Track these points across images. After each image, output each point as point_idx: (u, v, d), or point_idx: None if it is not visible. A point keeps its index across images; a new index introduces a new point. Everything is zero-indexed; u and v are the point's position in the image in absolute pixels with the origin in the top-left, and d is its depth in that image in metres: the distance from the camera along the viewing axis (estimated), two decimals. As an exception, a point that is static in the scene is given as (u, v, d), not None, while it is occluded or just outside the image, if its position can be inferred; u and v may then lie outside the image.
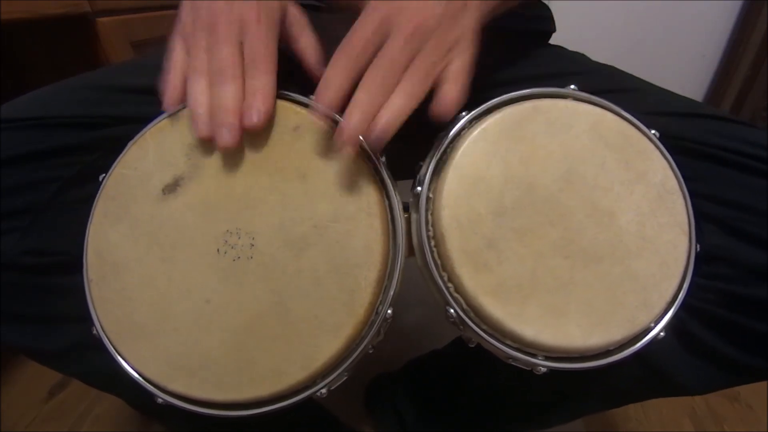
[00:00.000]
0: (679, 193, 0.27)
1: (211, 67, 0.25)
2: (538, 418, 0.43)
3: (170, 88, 0.27)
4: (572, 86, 0.28)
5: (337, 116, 0.25)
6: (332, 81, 0.24)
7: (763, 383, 0.31)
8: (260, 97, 0.25)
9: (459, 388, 0.51)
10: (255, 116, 0.24)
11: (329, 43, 0.33)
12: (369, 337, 0.25)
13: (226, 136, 0.24)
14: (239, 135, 0.25)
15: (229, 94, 0.25)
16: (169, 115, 0.27)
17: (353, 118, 0.23)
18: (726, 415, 0.69)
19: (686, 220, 0.27)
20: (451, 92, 0.25)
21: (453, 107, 0.25)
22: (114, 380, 0.28)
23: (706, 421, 0.68)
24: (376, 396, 0.64)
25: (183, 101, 0.27)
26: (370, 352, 0.26)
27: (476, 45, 0.27)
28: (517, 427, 0.46)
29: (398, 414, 0.58)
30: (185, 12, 0.28)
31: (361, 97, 0.24)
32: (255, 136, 0.26)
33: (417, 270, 0.27)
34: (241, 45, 0.26)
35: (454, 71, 0.26)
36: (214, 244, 0.25)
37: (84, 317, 0.26)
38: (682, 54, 1.25)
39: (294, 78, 0.27)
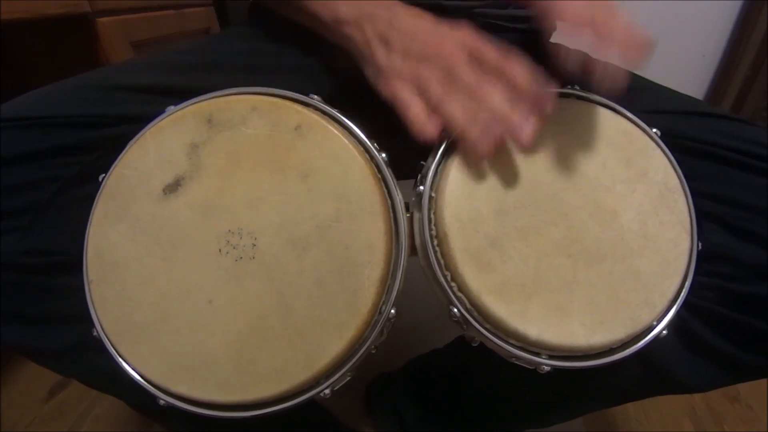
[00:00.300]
0: (681, 192, 0.27)
1: (460, 88, 0.26)
2: (539, 417, 0.43)
3: (420, 119, 0.26)
4: (574, 85, 0.28)
5: None
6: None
7: (763, 383, 0.32)
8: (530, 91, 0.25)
9: (459, 388, 0.51)
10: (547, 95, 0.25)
11: (328, 43, 0.33)
12: (372, 337, 0.25)
13: (527, 128, 0.24)
14: (533, 121, 0.24)
15: (496, 98, 0.25)
16: (171, 114, 0.27)
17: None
18: (726, 414, 0.69)
19: (687, 219, 0.27)
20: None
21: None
22: (114, 381, 0.27)
23: (706, 421, 0.68)
24: (376, 396, 0.64)
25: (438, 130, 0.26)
26: (373, 352, 0.26)
27: None
28: (517, 426, 0.46)
29: (398, 414, 0.58)
30: (379, 52, 0.28)
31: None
32: (257, 136, 0.26)
33: (416, 269, 0.27)
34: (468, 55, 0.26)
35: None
36: (215, 244, 0.25)
37: (84, 317, 0.26)
38: (682, 54, 1.25)
39: None
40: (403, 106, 0.27)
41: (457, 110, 0.26)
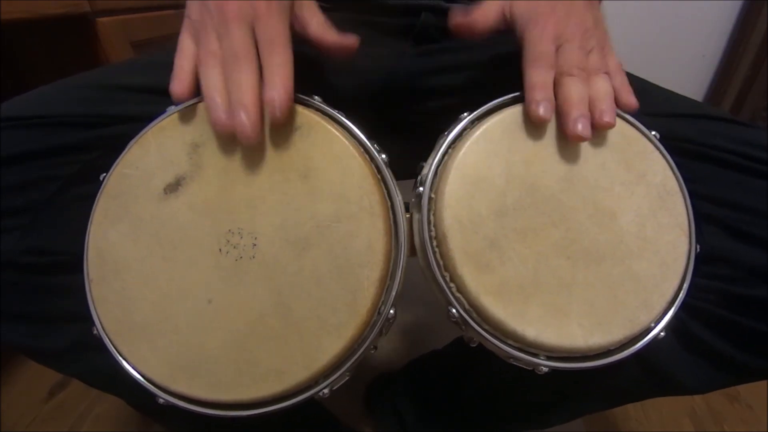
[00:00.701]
0: (680, 194, 0.27)
1: (224, 53, 0.25)
2: (538, 417, 0.43)
3: (180, 75, 0.26)
4: None
5: None
6: (542, 82, 0.26)
7: (763, 383, 0.32)
8: (280, 72, 0.24)
9: (459, 388, 0.51)
10: (276, 94, 0.23)
11: None
12: (371, 337, 0.25)
13: (245, 122, 0.23)
14: (260, 123, 0.23)
15: (245, 74, 0.24)
16: (172, 114, 0.27)
17: (578, 115, 0.25)
18: (726, 415, 0.69)
19: (686, 221, 0.27)
20: (626, 82, 0.29)
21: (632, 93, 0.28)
22: (114, 380, 0.28)
23: (706, 421, 0.68)
24: (376, 396, 0.64)
25: (193, 91, 0.26)
26: (372, 352, 0.26)
27: None
28: (517, 426, 0.46)
29: (398, 414, 0.58)
30: (192, 7, 0.28)
31: (573, 88, 0.26)
32: (255, 137, 0.26)
33: (416, 269, 0.27)
34: (253, 30, 0.25)
35: (614, 65, 0.29)
36: (215, 244, 0.25)
37: (84, 317, 0.26)
38: (682, 54, 1.25)
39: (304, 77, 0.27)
40: (177, 52, 0.27)
41: (207, 76, 0.25)
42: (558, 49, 0.27)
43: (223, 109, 0.24)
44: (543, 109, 0.25)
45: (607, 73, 0.28)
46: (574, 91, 0.26)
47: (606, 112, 0.26)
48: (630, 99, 0.28)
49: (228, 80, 0.24)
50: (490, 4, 0.29)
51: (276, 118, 0.24)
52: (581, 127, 0.25)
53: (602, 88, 0.27)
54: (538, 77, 0.26)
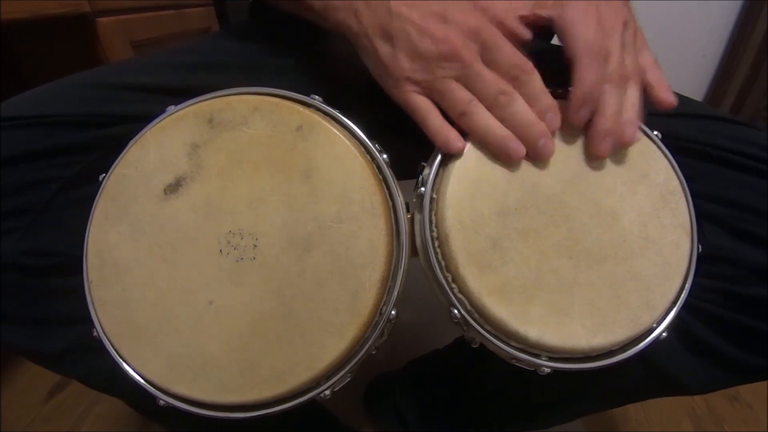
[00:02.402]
0: (682, 194, 0.27)
1: (481, 93, 0.25)
2: (539, 417, 0.43)
3: (449, 134, 0.25)
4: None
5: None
6: (595, 82, 0.25)
7: (764, 383, 0.31)
8: (546, 98, 0.25)
9: (460, 388, 0.51)
10: (555, 120, 0.25)
11: (330, 43, 0.33)
12: (373, 338, 0.25)
13: (549, 144, 0.25)
14: (552, 137, 0.25)
15: (524, 108, 0.24)
16: (171, 114, 0.27)
17: (608, 122, 0.25)
18: (726, 415, 0.69)
19: (688, 221, 0.27)
20: (662, 75, 0.27)
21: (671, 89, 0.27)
22: (114, 382, 0.27)
23: (706, 421, 0.68)
24: (377, 396, 0.64)
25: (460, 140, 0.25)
26: (374, 353, 0.26)
27: None
28: (518, 426, 0.46)
29: (399, 414, 0.58)
30: (415, 67, 0.25)
31: (610, 100, 0.25)
32: (258, 136, 0.26)
33: (417, 270, 0.27)
34: (483, 59, 0.25)
35: (651, 60, 0.28)
36: (216, 245, 0.25)
37: (84, 318, 0.26)
38: (682, 54, 1.25)
39: None
40: (421, 117, 0.26)
41: (481, 122, 0.25)
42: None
43: (515, 140, 0.25)
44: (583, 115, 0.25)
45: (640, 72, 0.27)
46: (611, 103, 0.25)
47: (628, 126, 0.25)
48: (667, 96, 0.27)
49: (509, 115, 0.25)
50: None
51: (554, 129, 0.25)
52: (606, 146, 0.25)
53: (631, 98, 0.26)
54: (591, 74, 0.25)
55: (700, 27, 1.20)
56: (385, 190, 0.26)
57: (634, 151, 0.27)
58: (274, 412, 0.25)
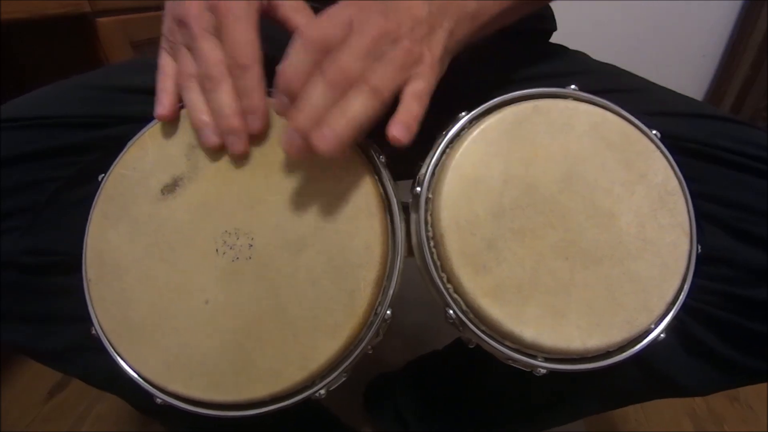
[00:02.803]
0: (680, 194, 0.27)
1: (199, 72, 0.25)
2: (538, 418, 0.43)
3: (163, 98, 0.26)
4: (573, 86, 0.28)
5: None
6: (297, 69, 0.22)
7: (764, 383, 0.31)
8: (253, 98, 0.24)
9: (459, 389, 0.51)
10: (256, 122, 0.24)
11: None
12: (368, 338, 0.25)
13: (237, 143, 0.24)
14: (247, 139, 0.25)
15: (224, 97, 0.24)
16: None
17: (300, 117, 0.22)
18: (726, 415, 0.69)
19: (687, 221, 0.27)
20: (413, 110, 0.23)
21: (413, 127, 0.22)
22: (113, 380, 0.28)
23: (706, 421, 0.68)
24: (376, 396, 0.64)
25: (177, 111, 0.26)
26: (369, 352, 0.26)
27: (441, 73, 0.26)
28: (517, 427, 0.46)
29: (398, 414, 0.58)
30: (166, 16, 0.27)
31: (312, 93, 0.22)
32: (254, 136, 0.26)
33: (416, 270, 0.27)
34: (217, 33, 0.24)
35: (416, 90, 0.23)
36: (212, 245, 0.25)
37: (83, 317, 0.26)
38: (682, 54, 1.25)
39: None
40: (158, 75, 0.26)
41: (189, 99, 0.25)
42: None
43: (212, 129, 0.25)
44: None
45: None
46: (310, 98, 0.22)
47: (325, 132, 0.21)
48: (395, 130, 0.22)
49: (209, 102, 0.24)
50: None
51: (257, 130, 0.25)
52: (291, 143, 0.22)
53: (350, 107, 0.22)
54: (294, 60, 0.22)
55: (700, 27, 1.20)
56: (381, 190, 0.26)
57: (632, 151, 0.27)
58: (270, 410, 0.25)
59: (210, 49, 0.24)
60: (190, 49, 0.25)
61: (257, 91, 0.24)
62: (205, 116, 0.24)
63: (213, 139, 0.25)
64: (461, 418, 0.51)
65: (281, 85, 0.23)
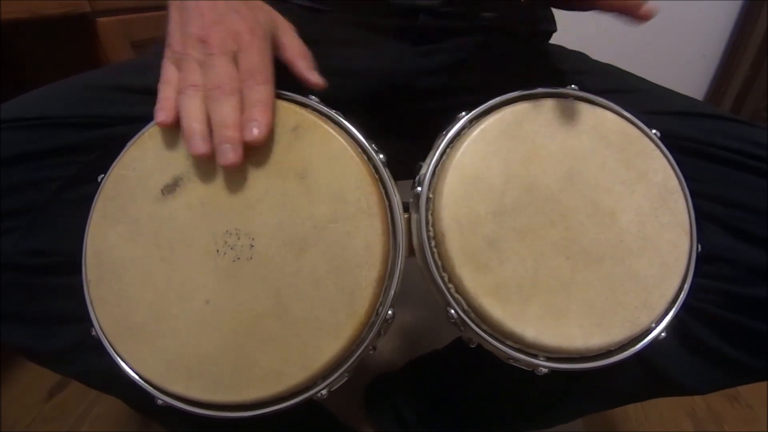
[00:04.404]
0: (680, 193, 0.27)
1: (207, 82, 0.25)
2: (539, 417, 0.43)
3: (166, 105, 0.26)
4: (573, 86, 0.28)
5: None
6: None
7: (764, 383, 0.31)
8: (260, 109, 0.25)
9: (459, 388, 0.51)
10: (255, 130, 0.24)
11: (327, 44, 0.33)
12: (370, 337, 0.25)
13: (230, 154, 0.24)
14: (242, 150, 0.24)
15: (229, 108, 0.24)
16: None
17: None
18: (726, 415, 0.69)
19: (687, 220, 0.27)
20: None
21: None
22: (113, 381, 0.27)
23: (706, 421, 0.68)
24: (376, 396, 0.64)
25: (176, 116, 0.26)
26: (371, 352, 0.26)
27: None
28: (517, 426, 0.46)
29: (398, 414, 0.58)
30: (173, 28, 0.28)
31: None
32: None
33: (417, 270, 0.27)
34: (235, 57, 0.25)
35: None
36: (213, 245, 0.25)
37: (83, 317, 0.26)
38: (682, 54, 1.25)
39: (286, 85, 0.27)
40: (160, 82, 0.27)
41: (185, 105, 0.25)
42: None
43: (201, 137, 0.24)
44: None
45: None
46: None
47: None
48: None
49: (211, 111, 0.25)
50: None
51: (255, 140, 0.25)
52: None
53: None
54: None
55: (700, 27, 1.20)
56: (382, 189, 0.26)
57: (632, 150, 0.27)
58: (271, 411, 0.25)
59: (227, 63, 0.25)
60: (202, 63, 0.25)
61: (268, 105, 0.25)
62: (197, 124, 0.25)
63: (202, 147, 0.24)
64: (461, 418, 0.51)
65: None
